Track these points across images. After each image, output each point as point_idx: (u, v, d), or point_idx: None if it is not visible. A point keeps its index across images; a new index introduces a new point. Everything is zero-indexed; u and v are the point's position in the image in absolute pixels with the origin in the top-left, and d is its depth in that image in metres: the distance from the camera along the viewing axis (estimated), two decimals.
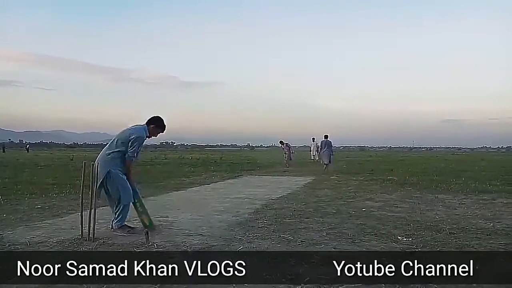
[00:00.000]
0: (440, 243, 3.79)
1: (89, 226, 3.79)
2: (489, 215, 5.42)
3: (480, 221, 4.96)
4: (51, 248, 3.57)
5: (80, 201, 3.95)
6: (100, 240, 3.79)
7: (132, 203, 4.21)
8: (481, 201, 6.81)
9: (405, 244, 3.73)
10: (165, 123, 4.40)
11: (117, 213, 4.13)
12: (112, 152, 4.13)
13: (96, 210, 3.86)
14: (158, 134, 4.40)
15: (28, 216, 5.15)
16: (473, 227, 4.56)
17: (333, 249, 3.56)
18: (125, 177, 4.12)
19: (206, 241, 3.83)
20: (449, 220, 4.98)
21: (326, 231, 4.30)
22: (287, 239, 3.90)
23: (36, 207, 5.91)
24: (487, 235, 4.15)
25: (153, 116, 4.35)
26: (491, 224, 4.73)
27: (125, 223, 4.17)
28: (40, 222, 4.73)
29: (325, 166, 15.16)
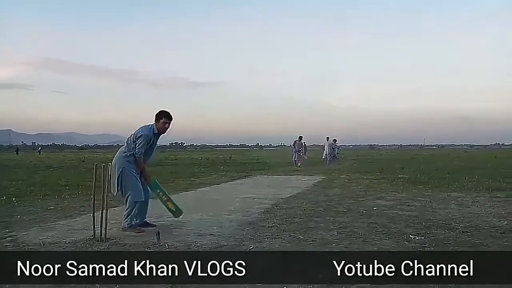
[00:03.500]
0: (453, 241, 3.74)
1: (101, 227, 3.84)
2: (503, 213, 5.33)
3: (494, 219, 4.88)
4: (64, 248, 3.62)
5: (92, 202, 4.00)
6: (112, 240, 3.83)
7: (155, 194, 4.49)
8: (494, 199, 6.71)
9: (417, 243, 3.69)
10: (165, 112, 4.32)
11: (126, 213, 4.26)
12: (125, 152, 4.33)
13: (108, 211, 3.92)
14: (167, 125, 4.33)
15: (41, 217, 5.22)
16: (486, 225, 4.49)
17: (345, 249, 3.54)
18: (138, 176, 4.28)
19: (217, 240, 3.84)
20: (462, 218, 4.92)
21: (337, 230, 4.28)
22: (298, 239, 3.89)
23: (49, 208, 5.98)
24: (501, 233, 4.09)
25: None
26: (505, 223, 4.66)
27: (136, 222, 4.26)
28: (53, 223, 4.79)
29: (327, 162, 18.90)
